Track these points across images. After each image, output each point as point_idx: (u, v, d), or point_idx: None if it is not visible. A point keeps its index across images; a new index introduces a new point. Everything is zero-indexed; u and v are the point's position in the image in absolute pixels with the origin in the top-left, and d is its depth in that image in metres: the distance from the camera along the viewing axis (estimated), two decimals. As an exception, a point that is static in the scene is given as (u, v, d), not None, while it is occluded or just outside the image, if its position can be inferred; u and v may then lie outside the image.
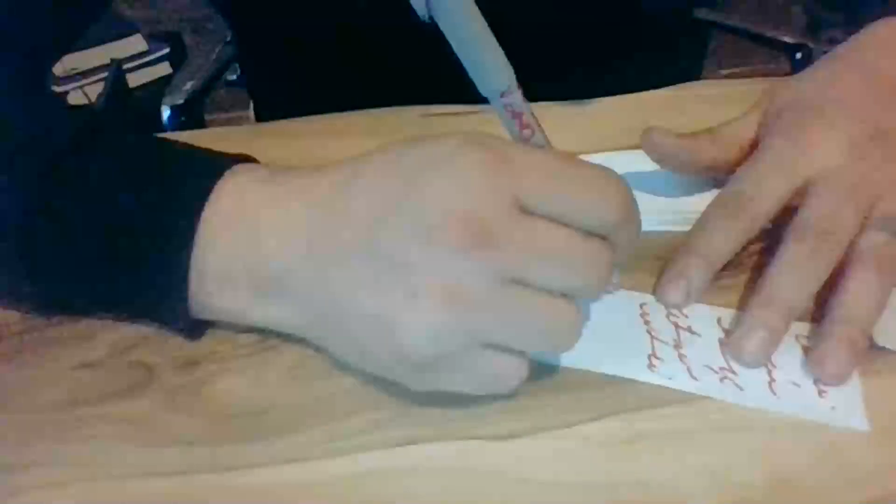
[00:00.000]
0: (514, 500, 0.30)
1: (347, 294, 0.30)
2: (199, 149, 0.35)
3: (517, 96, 0.33)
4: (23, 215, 0.33)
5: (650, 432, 0.31)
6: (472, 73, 0.32)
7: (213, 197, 0.32)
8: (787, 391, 0.33)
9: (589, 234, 0.30)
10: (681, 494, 0.29)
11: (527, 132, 0.33)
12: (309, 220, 0.31)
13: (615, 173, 0.31)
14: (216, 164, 0.34)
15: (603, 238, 0.30)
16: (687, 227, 0.39)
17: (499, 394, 0.31)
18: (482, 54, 0.32)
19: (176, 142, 0.36)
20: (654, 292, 0.37)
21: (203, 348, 0.35)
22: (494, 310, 0.29)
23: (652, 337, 0.35)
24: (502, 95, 0.33)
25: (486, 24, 0.31)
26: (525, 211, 0.29)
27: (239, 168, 0.34)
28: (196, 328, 0.35)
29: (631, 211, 0.30)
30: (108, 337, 0.36)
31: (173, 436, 0.32)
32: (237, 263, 0.32)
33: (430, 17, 0.30)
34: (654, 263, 0.38)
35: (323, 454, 0.31)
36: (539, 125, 0.34)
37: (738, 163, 0.41)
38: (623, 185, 0.30)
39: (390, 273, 0.29)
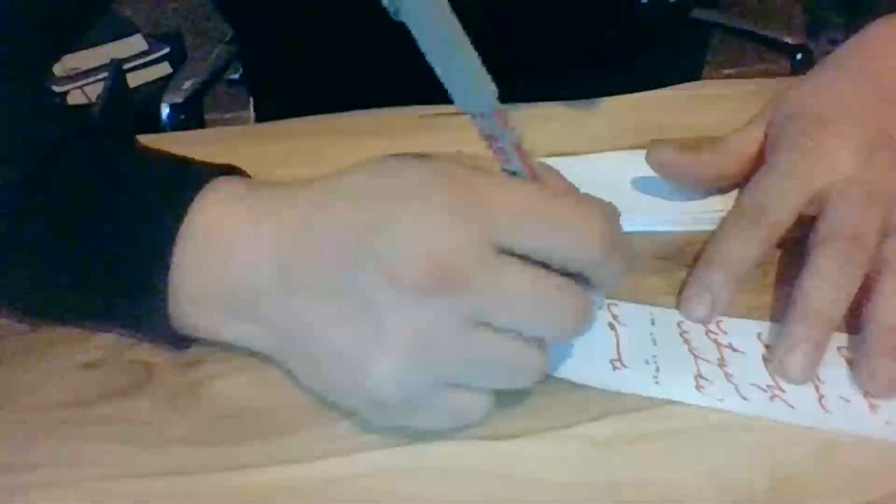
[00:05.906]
0: (515, 501, 0.30)
1: (316, 325, 0.30)
2: (179, 160, 0.34)
3: (490, 121, 0.28)
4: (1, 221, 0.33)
5: (650, 432, 0.31)
6: (446, 86, 0.27)
7: (189, 215, 0.32)
8: (837, 407, 0.32)
9: (567, 274, 0.29)
10: (681, 494, 0.29)
11: (502, 159, 0.29)
12: (281, 243, 0.31)
13: (600, 206, 0.30)
14: (194, 179, 0.33)
15: (581, 276, 0.30)
16: (687, 228, 0.39)
17: (464, 426, 0.31)
18: (456, 67, 0.26)
19: (157, 151, 0.35)
20: (677, 307, 0.36)
21: (203, 348, 0.35)
22: (460, 353, 0.28)
23: (696, 357, 0.34)
24: (477, 116, 0.28)
25: (462, 32, 0.25)
26: (498, 250, 0.28)
27: (218, 182, 0.33)
28: (182, 340, 0.34)
29: (613, 246, 0.29)
30: (108, 337, 0.36)
31: (173, 436, 0.32)
32: (211, 284, 0.32)
33: (397, 14, 0.25)
34: (654, 263, 0.38)
35: (322, 454, 0.31)
36: (519, 153, 0.29)
37: (743, 174, 0.40)
38: (605, 219, 0.29)
39: (358, 310, 0.29)
